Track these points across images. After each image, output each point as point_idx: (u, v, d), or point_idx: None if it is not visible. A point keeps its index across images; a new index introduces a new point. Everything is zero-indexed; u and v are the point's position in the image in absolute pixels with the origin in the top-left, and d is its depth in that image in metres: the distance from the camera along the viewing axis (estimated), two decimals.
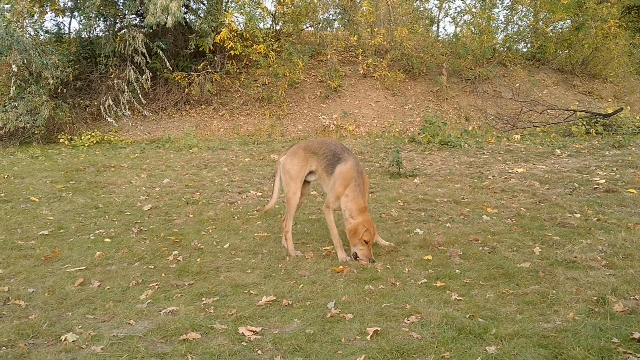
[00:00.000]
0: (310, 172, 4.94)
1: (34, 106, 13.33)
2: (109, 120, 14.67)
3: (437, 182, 7.83)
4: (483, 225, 5.45)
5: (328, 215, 4.74)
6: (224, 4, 15.83)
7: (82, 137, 13.70)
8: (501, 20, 18.55)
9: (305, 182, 5.00)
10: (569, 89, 18.06)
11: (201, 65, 15.59)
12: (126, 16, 15.22)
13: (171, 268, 4.49)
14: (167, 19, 13.36)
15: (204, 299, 3.79)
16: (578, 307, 3.42)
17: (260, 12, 15.64)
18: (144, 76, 14.90)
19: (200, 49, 15.32)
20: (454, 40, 17.83)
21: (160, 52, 14.86)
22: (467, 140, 12.07)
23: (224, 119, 15.51)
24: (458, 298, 3.66)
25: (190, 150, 11.94)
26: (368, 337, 3.13)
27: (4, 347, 3.12)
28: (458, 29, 18.69)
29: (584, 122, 13.16)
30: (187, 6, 16.02)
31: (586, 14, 16.64)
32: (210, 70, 15.74)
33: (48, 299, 3.84)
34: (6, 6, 13.68)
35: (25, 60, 13.29)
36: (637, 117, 14.55)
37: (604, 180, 7.34)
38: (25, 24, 14.55)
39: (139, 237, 5.44)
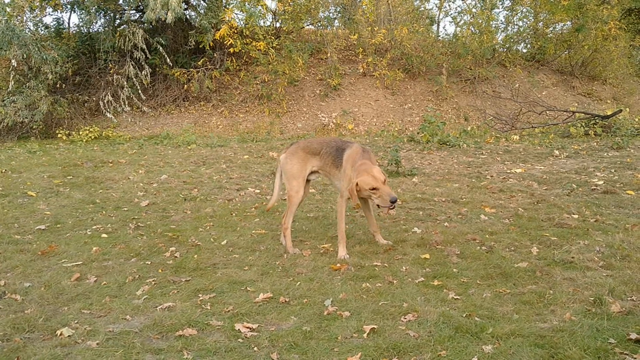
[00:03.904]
0: (312, 172, 4.94)
1: (32, 101, 13.32)
2: (108, 115, 14.66)
3: (436, 181, 7.83)
4: (481, 225, 5.45)
5: (340, 207, 4.68)
6: (224, 0, 15.80)
7: (80, 133, 13.68)
8: (501, 20, 18.58)
9: (307, 181, 5.00)
10: (568, 90, 18.07)
11: (201, 61, 15.57)
12: (126, 12, 15.20)
13: (168, 264, 4.48)
14: (166, 14, 13.34)
15: (200, 295, 3.78)
16: (575, 307, 3.42)
17: (260, 10, 15.61)
18: (143, 72, 14.88)
19: (200, 46, 15.30)
20: (453, 40, 17.82)
21: (160, 48, 14.85)
22: (466, 140, 12.07)
23: (223, 116, 15.49)
24: (455, 297, 3.66)
25: (189, 147, 11.92)
26: (365, 334, 3.12)
27: (0, 341, 3.11)
28: (458, 29, 18.67)
29: (583, 124, 13.16)
30: (187, 2, 16.00)
31: (586, 16, 16.64)
32: (209, 67, 15.72)
33: (44, 294, 3.83)
34: (7, 0, 13.64)
35: (24, 55, 13.27)
36: (636, 119, 14.57)
37: (602, 182, 7.34)
38: (25, 18, 14.55)
39: (136, 233, 5.43)
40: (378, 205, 4.35)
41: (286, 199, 4.95)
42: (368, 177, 4.22)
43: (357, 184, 4.27)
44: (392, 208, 4.24)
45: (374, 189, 4.21)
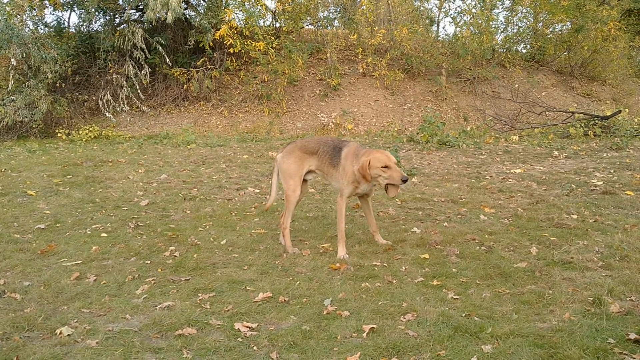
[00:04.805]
0: (309, 172, 4.95)
1: (32, 100, 13.31)
2: (107, 115, 14.66)
3: (435, 181, 7.83)
4: (480, 225, 5.45)
5: (340, 206, 4.67)
6: (224, 0, 15.81)
7: (80, 132, 13.67)
8: (501, 21, 18.59)
9: (304, 181, 5.00)
10: (567, 91, 18.09)
11: (200, 61, 15.57)
12: (126, 11, 15.20)
13: (168, 263, 4.48)
14: (166, 14, 13.34)
15: (200, 294, 3.78)
16: (574, 307, 3.42)
17: (260, 10, 15.63)
18: (142, 71, 14.88)
19: (199, 46, 15.30)
20: (453, 40, 17.83)
21: (160, 47, 14.84)
22: (466, 140, 12.07)
23: (222, 115, 15.50)
24: (454, 297, 3.66)
25: (188, 147, 11.92)
26: (364, 334, 3.13)
27: None
28: (458, 29, 18.69)
29: (582, 124, 13.17)
30: (187, 2, 16.00)
31: (586, 16, 16.66)
32: (209, 66, 15.72)
33: (44, 293, 3.83)
34: None
35: (24, 54, 13.26)
36: (636, 120, 14.58)
37: (601, 182, 7.35)
38: (25, 17, 14.54)
39: (136, 232, 5.43)
40: (386, 189, 4.37)
41: (284, 198, 4.95)
42: (381, 155, 4.26)
43: (369, 162, 4.29)
44: (403, 181, 4.26)
45: (385, 166, 4.25)
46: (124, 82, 14.77)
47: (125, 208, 6.48)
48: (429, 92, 16.68)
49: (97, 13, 15.39)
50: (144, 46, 14.59)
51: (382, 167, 4.26)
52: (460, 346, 2.96)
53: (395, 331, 3.17)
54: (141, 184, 7.89)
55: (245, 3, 15.32)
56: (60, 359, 2.92)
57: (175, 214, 6.15)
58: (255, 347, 3.02)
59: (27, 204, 6.66)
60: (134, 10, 15.86)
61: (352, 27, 17.07)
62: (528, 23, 18.52)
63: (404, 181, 4.24)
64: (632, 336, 2.94)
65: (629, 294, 3.60)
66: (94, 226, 5.64)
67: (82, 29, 16.22)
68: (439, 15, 20.41)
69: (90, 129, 13.90)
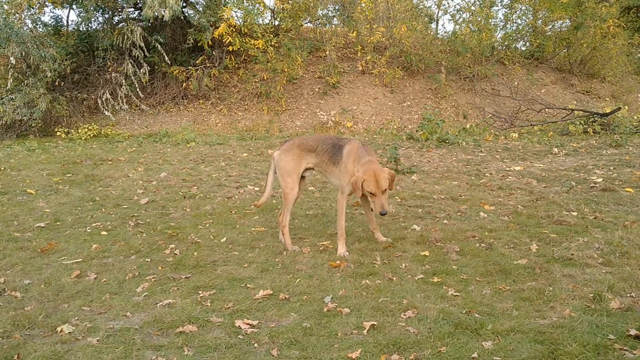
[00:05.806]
0: (307, 169, 4.95)
1: (31, 99, 13.30)
2: (106, 113, 14.65)
3: (435, 179, 7.83)
4: (480, 222, 5.46)
5: (340, 204, 4.68)
6: None
7: (79, 131, 13.67)
8: (500, 18, 18.57)
9: (302, 178, 5.00)
10: (567, 88, 18.08)
11: (199, 59, 15.55)
12: (124, 9, 15.17)
13: (168, 261, 4.48)
14: (164, 12, 13.31)
15: (200, 292, 3.79)
16: (574, 303, 3.43)
17: (259, 8, 15.60)
18: (141, 70, 14.86)
19: (198, 44, 15.28)
20: (452, 38, 17.81)
21: (159, 46, 14.82)
22: (465, 138, 12.07)
23: (221, 114, 15.48)
24: (455, 294, 3.66)
25: (188, 145, 11.92)
26: (365, 331, 3.13)
27: (0, 338, 3.11)
28: (457, 26, 18.65)
29: (582, 121, 13.17)
30: (185, 0, 15.97)
31: (585, 14, 16.64)
32: (208, 64, 15.70)
33: (44, 291, 3.83)
34: None
35: (23, 53, 13.24)
36: (635, 117, 14.58)
37: (601, 179, 7.35)
38: (23, 16, 14.51)
39: (136, 230, 5.43)
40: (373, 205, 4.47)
41: (282, 196, 4.95)
42: (373, 181, 4.29)
43: (362, 181, 4.32)
44: (381, 214, 4.34)
45: (372, 194, 4.31)
46: (123, 81, 14.76)
47: (125, 206, 6.48)
48: (429, 89, 16.67)
49: (95, 12, 15.36)
50: (142, 44, 14.57)
51: (369, 192, 4.32)
52: (460, 343, 2.96)
53: (396, 328, 3.17)
54: (141, 182, 7.89)
55: (244, 1, 15.29)
56: (61, 357, 2.92)
57: (175, 212, 6.15)
58: (255, 344, 3.03)
59: (27, 202, 6.66)
60: (132, 9, 15.83)
61: (351, 25, 17.05)
62: (527, 20, 18.50)
63: (381, 214, 4.30)
64: (633, 332, 2.94)
65: (629, 290, 3.60)
66: (94, 224, 5.64)
67: (81, 28, 16.20)
68: (438, 12, 20.38)
69: (90, 127, 13.90)
